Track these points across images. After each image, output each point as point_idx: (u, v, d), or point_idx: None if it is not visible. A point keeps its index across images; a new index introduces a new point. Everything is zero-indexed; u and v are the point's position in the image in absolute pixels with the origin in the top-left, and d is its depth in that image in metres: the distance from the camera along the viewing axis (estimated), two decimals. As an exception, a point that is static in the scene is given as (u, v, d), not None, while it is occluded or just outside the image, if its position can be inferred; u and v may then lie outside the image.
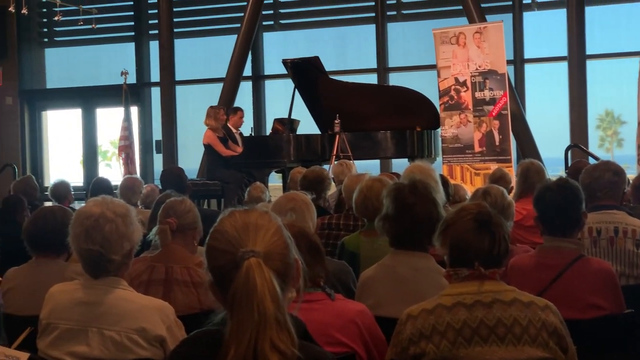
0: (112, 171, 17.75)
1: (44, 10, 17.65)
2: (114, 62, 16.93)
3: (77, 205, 11.43)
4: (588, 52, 13.78)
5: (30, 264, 4.74)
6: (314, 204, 6.50)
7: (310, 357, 2.09)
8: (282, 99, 14.40)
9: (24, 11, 14.39)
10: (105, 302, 3.38)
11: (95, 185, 8.69)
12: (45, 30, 17.98)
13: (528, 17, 14.74)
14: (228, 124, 12.81)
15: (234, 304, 2.00)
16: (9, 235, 5.55)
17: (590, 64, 13.89)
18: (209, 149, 12.49)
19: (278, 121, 13.11)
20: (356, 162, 10.13)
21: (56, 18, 15.68)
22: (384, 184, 4.94)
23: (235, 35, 15.29)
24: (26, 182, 9.12)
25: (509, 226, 4.37)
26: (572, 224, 4.22)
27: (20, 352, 3.26)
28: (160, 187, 8.19)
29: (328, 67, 13.07)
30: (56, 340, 3.42)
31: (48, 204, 10.54)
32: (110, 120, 17.14)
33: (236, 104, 14.61)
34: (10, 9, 14.43)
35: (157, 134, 16.61)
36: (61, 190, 8.90)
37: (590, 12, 13.94)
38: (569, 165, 11.56)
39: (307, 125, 13.49)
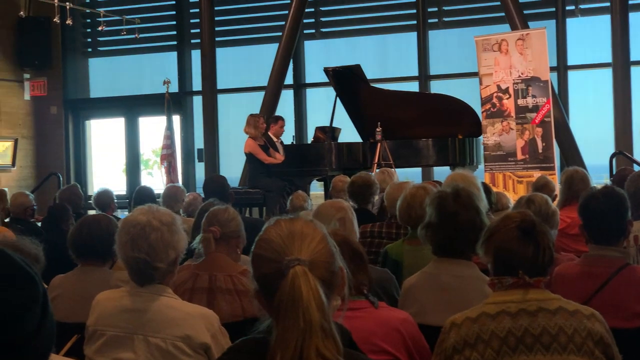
0: (153, 179, 17.84)
1: (88, 20, 17.81)
2: (156, 71, 17.06)
3: (120, 213, 11.54)
4: (633, 58, 13.66)
5: (75, 271, 4.80)
6: (362, 208, 6.52)
7: None
8: (324, 107, 14.41)
9: (69, 22, 14.53)
10: (151, 310, 3.41)
11: (139, 194, 8.76)
12: (89, 40, 18.16)
13: (571, 23, 14.64)
14: (269, 133, 12.85)
15: (280, 312, 2.01)
16: (55, 243, 5.62)
17: (635, 70, 13.76)
18: (250, 157, 12.54)
19: (319, 129, 13.13)
20: (397, 170, 10.12)
21: (100, 28, 15.84)
22: (428, 192, 4.94)
23: (277, 44, 15.36)
24: (71, 191, 9.21)
25: (554, 234, 4.36)
26: (617, 232, 4.20)
27: (67, 358, 3.29)
28: (202, 195, 8.23)
29: (369, 74, 13.08)
30: (103, 347, 3.46)
31: (91, 212, 10.67)
32: (153, 129, 17.26)
33: (278, 113, 14.65)
34: (55, 19, 14.59)
35: (199, 143, 16.69)
36: (104, 199, 8.98)
37: (634, 17, 13.82)
38: (614, 172, 11.48)
39: (349, 133, 13.50)
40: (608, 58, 13.83)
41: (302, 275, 2.02)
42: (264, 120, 12.77)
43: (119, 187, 16.64)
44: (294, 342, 1.97)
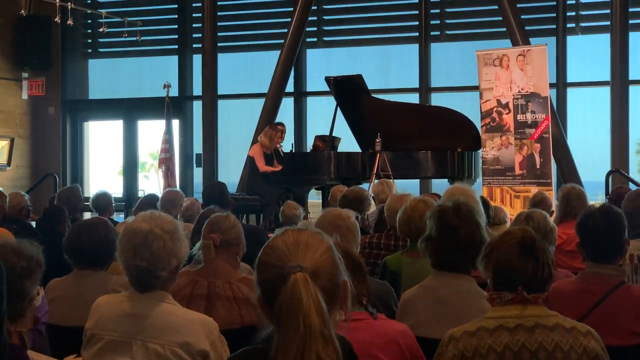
0: (149, 183, 17.83)
1: (89, 21, 17.77)
2: (157, 74, 17.05)
3: (116, 217, 11.53)
4: (631, 77, 13.71)
5: (72, 275, 4.78)
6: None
7: None
8: (324, 116, 14.43)
9: (70, 22, 14.48)
10: (151, 315, 3.42)
11: (146, 201, 8.65)
12: (90, 41, 18.11)
13: (572, 41, 14.70)
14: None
15: (281, 318, 2.05)
16: (49, 244, 5.59)
17: (633, 89, 13.82)
18: (251, 162, 12.58)
19: (319, 138, 13.16)
20: (396, 181, 10.14)
21: (101, 29, 15.74)
22: (428, 205, 4.97)
23: (279, 51, 15.36)
24: (71, 192, 9.13)
25: (552, 251, 4.39)
26: (614, 250, 4.25)
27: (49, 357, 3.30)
28: (201, 201, 8.25)
29: (370, 85, 13.09)
30: (100, 351, 3.46)
31: (88, 215, 10.67)
32: (151, 133, 17.25)
33: (278, 120, 14.66)
34: (55, 19, 14.58)
35: (197, 148, 16.68)
36: (103, 202, 8.92)
37: (634, 37, 13.88)
38: (610, 190, 11.53)
39: (348, 143, 13.52)
40: (607, 76, 13.88)
41: (303, 281, 2.05)
42: (281, 135, 12.84)
43: (114, 190, 16.63)
44: (295, 347, 2.00)
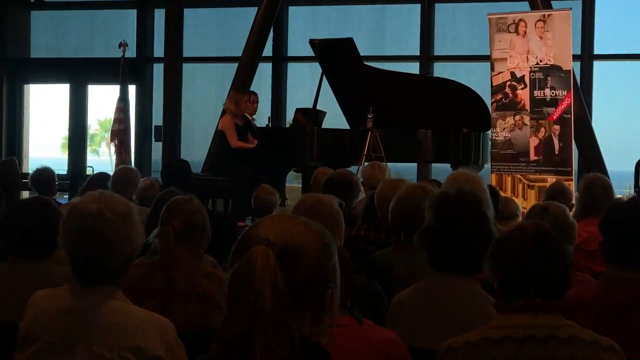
0: (99, 159, 17.79)
1: (32, -35, 17.73)
2: (111, 31, 17.03)
3: (60, 197, 11.51)
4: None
5: (7, 264, 4.75)
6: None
7: None
8: (307, 86, 14.44)
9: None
10: (97, 314, 3.40)
11: (95, 180, 8.61)
12: (33, -11, 18.07)
13: (601, 5, 14.71)
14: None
15: (229, 294, 2.05)
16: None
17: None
18: (221, 136, 12.50)
19: (301, 111, 13.15)
20: (389, 164, 10.15)
21: (46, -24, 15.74)
22: (427, 193, 4.97)
23: (256, 8, 15.32)
24: (7, 167, 9.09)
25: (570, 250, 4.41)
26: (643, 252, 4.25)
27: None
28: (160, 181, 8.23)
29: (363, 51, 13.08)
30: (36, 355, 3.43)
31: (26, 194, 10.63)
32: (103, 100, 17.23)
33: (253, 88, 14.59)
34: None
35: (157, 119, 16.65)
36: (44, 180, 8.85)
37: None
38: (640, 182, 11.59)
39: (335, 118, 13.52)
40: (640, 49, 13.94)
41: (263, 254, 2.04)
42: (250, 99, 12.74)
43: (58, 166, 16.58)
44: (237, 328, 2.00)
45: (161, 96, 16.21)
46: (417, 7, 15.37)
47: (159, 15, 16.60)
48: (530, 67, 12.37)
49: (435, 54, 15.39)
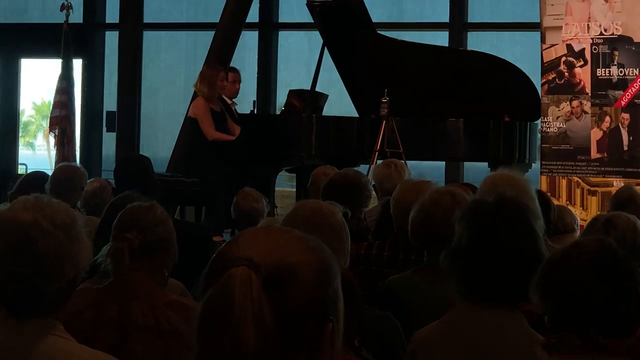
0: (34, 154, 17.85)
1: None
2: (51, -11, 17.08)
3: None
4: None
5: None
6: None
7: None
8: (303, 61, 14.48)
9: None
10: (32, 355, 3.41)
11: (28, 181, 8.64)
12: None
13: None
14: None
15: (200, 332, 2.06)
16: None
17: None
18: (193, 125, 12.48)
19: (295, 94, 13.18)
20: (409, 162, 10.19)
21: None
22: (457, 200, 4.99)
23: (237, -40, 15.39)
24: None
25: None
26: None
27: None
28: (113, 184, 8.26)
29: (376, 17, 13.12)
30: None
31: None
32: (40, 78, 17.28)
33: (233, 64, 14.62)
34: None
35: (110, 104, 16.68)
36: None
37: None
38: None
39: (339, 104, 13.55)
40: None
41: (244, 279, 2.04)
42: (225, 75, 12.70)
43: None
44: None
45: (115, 74, 16.21)
46: (446, -40, 15.45)
47: (113, -31, 16.67)
48: (593, 39, 12.38)
49: (469, 20, 15.42)
